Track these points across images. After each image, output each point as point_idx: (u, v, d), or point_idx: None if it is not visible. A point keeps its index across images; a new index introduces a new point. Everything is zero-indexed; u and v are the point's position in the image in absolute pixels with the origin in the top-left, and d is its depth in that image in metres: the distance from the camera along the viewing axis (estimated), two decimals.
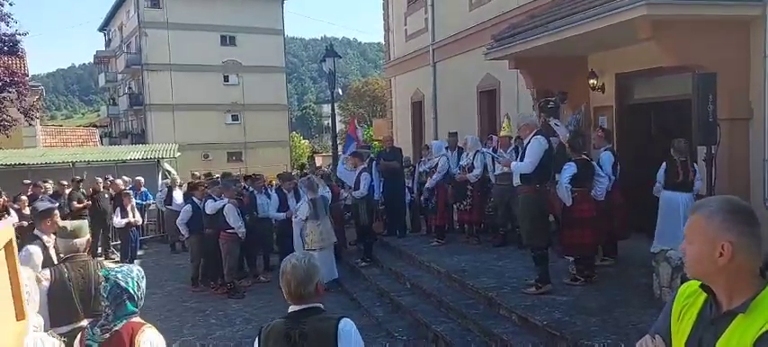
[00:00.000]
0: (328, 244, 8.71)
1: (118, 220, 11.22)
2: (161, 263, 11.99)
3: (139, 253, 12.31)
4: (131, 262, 10.58)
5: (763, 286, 1.53)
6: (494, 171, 8.69)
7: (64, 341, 2.78)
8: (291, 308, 2.56)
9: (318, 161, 33.20)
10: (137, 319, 2.65)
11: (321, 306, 2.58)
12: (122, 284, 2.60)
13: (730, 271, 1.54)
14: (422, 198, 10.63)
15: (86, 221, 4.27)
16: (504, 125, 8.82)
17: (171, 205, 12.81)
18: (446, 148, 10.06)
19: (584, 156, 6.67)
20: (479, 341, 5.85)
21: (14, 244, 1.55)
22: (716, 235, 1.54)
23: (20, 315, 1.60)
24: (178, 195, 12.91)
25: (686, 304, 1.69)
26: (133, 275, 2.68)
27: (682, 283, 1.78)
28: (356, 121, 12.60)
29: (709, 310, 1.61)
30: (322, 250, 8.39)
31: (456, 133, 10.47)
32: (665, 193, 6.84)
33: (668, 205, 6.79)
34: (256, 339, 2.59)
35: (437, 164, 9.57)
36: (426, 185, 9.71)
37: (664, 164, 6.90)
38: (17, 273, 1.57)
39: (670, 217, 6.70)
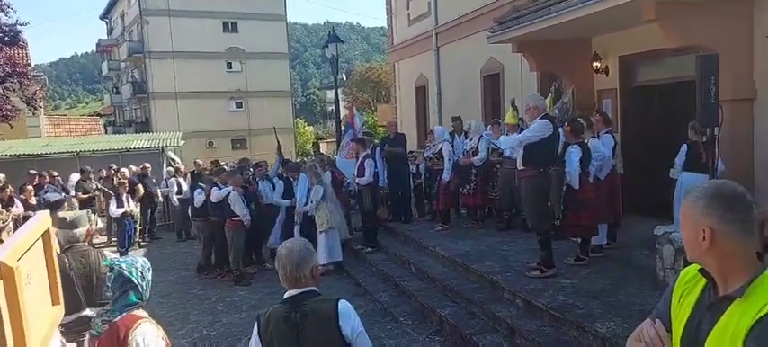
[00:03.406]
0: (336, 225, 9.06)
1: (114, 210, 11.31)
2: (167, 251, 12.07)
3: (138, 239, 12.44)
4: (127, 252, 10.64)
5: (759, 270, 1.53)
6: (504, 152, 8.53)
7: (62, 330, 2.79)
8: (288, 293, 2.62)
9: (323, 147, 33.20)
10: (138, 311, 2.63)
11: (317, 289, 2.64)
12: (126, 274, 2.60)
13: (718, 256, 1.55)
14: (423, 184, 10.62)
15: (86, 212, 4.29)
16: (509, 113, 8.77)
17: (180, 194, 12.92)
18: (451, 133, 10.03)
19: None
20: (484, 324, 5.89)
21: (51, 232, 1.65)
22: (698, 221, 1.56)
23: (55, 300, 1.70)
24: (183, 184, 13.01)
25: (687, 288, 1.70)
26: (138, 265, 2.66)
27: (685, 266, 1.79)
28: (354, 109, 12.53)
29: (708, 295, 1.62)
30: (331, 230, 8.92)
31: (460, 117, 10.44)
32: (686, 176, 6.56)
33: (690, 186, 6.63)
34: (255, 325, 2.63)
35: (441, 149, 9.55)
36: (443, 177, 9.37)
37: (684, 146, 6.71)
38: (53, 260, 1.67)
39: None
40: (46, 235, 1.67)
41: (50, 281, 1.70)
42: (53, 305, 1.70)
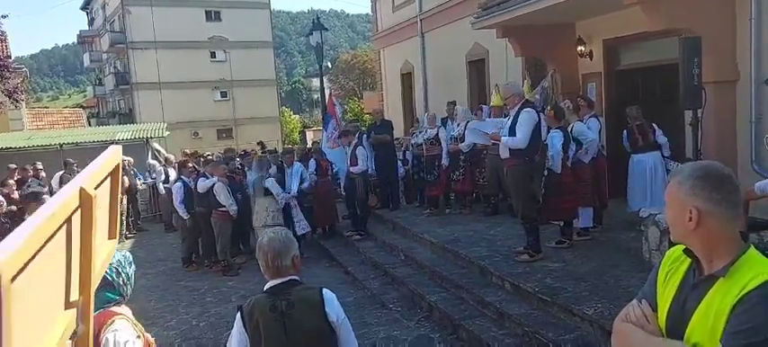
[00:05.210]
0: (274, 225, 8.22)
1: None
2: (155, 243, 11.99)
3: (124, 232, 12.34)
4: None
5: (743, 249, 1.56)
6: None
7: None
8: (270, 283, 2.61)
9: (310, 136, 33.07)
10: (115, 308, 2.50)
11: (298, 278, 2.65)
12: None
13: (704, 236, 1.57)
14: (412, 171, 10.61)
15: None
16: (495, 96, 8.81)
17: (167, 183, 12.81)
18: (443, 119, 10.03)
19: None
20: (473, 309, 5.93)
21: (120, 169, 1.66)
22: (685, 201, 1.58)
23: (112, 234, 1.71)
24: (172, 174, 12.90)
25: (672, 268, 1.73)
26: (113, 262, 2.52)
27: (670, 246, 1.81)
28: (334, 98, 12.40)
29: (693, 275, 1.64)
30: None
31: (455, 102, 10.45)
32: (633, 157, 7.31)
33: (636, 167, 7.25)
34: (238, 316, 2.60)
35: (437, 134, 9.52)
36: (442, 161, 9.40)
37: (625, 131, 7.33)
38: (117, 194, 1.69)
39: (639, 178, 7.15)
40: (115, 168, 1.69)
41: (111, 215, 1.72)
42: (109, 239, 1.72)
